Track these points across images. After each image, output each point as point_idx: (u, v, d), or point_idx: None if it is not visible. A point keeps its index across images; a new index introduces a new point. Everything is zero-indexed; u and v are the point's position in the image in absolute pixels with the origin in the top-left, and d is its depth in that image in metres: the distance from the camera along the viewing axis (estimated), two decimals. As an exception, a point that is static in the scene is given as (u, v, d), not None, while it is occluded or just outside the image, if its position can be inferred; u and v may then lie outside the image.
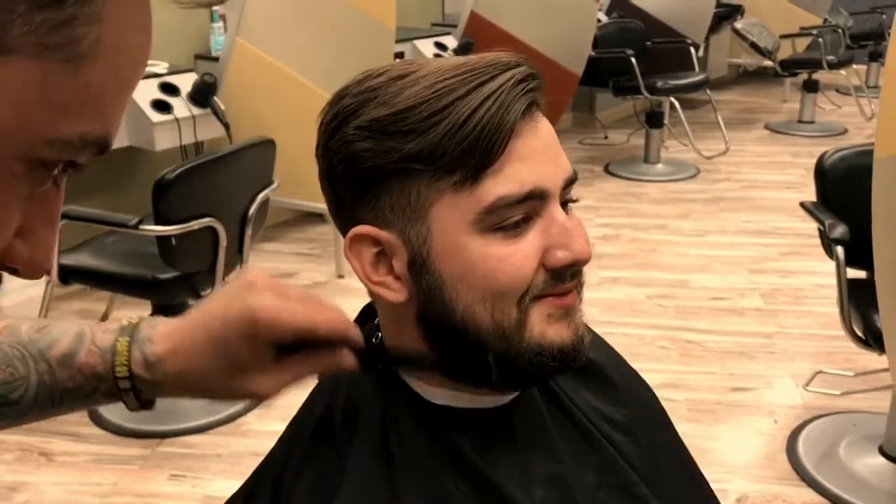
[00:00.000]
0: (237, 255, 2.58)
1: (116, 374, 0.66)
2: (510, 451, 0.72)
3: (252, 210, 2.58)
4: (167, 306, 2.64)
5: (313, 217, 4.19)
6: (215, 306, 0.66)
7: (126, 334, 0.67)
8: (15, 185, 0.37)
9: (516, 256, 0.65)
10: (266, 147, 2.63)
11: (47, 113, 0.35)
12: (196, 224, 2.33)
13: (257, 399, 0.69)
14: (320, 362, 0.68)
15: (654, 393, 0.87)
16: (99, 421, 2.62)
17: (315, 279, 3.68)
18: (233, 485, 0.78)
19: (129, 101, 0.40)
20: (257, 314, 0.63)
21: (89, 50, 0.35)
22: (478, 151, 0.62)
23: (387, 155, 0.63)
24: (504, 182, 0.63)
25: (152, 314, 2.68)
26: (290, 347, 0.65)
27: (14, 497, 2.30)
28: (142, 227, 2.30)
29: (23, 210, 0.38)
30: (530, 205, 0.65)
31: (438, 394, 0.71)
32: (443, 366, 0.69)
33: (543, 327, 0.67)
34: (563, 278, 0.67)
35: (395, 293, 0.68)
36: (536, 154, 0.65)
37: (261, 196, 2.61)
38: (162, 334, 0.67)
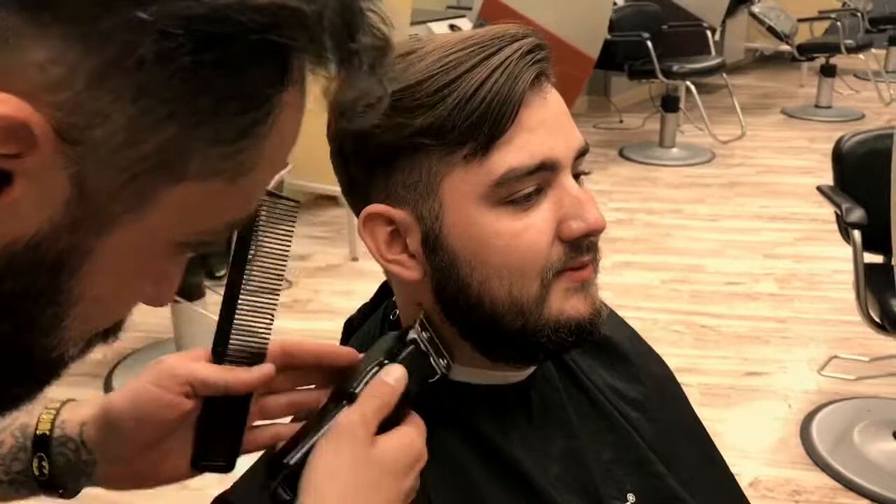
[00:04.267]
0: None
1: (36, 432, 0.65)
2: (527, 427, 0.72)
3: (267, 192, 2.58)
4: (182, 286, 2.65)
5: (327, 200, 4.20)
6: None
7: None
8: (157, 264, 0.41)
9: (530, 232, 0.64)
10: (281, 129, 2.63)
11: (203, 217, 0.39)
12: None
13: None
14: None
15: (670, 371, 0.87)
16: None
17: (329, 262, 3.69)
18: (248, 463, 0.78)
19: None
20: (165, 362, 0.64)
21: (252, 166, 0.38)
22: (487, 123, 0.62)
23: (397, 131, 0.63)
24: (514, 153, 0.63)
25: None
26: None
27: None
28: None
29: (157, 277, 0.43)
30: (541, 176, 0.64)
31: (455, 370, 0.71)
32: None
33: (561, 303, 0.66)
34: (581, 250, 0.66)
35: (410, 271, 0.68)
36: (546, 125, 0.64)
37: (276, 177, 2.61)
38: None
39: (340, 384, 0.66)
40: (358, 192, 0.69)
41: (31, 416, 0.67)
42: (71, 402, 0.68)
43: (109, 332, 0.44)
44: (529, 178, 0.64)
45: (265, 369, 0.64)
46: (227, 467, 0.68)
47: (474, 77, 0.62)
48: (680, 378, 0.87)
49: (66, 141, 0.33)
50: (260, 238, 0.64)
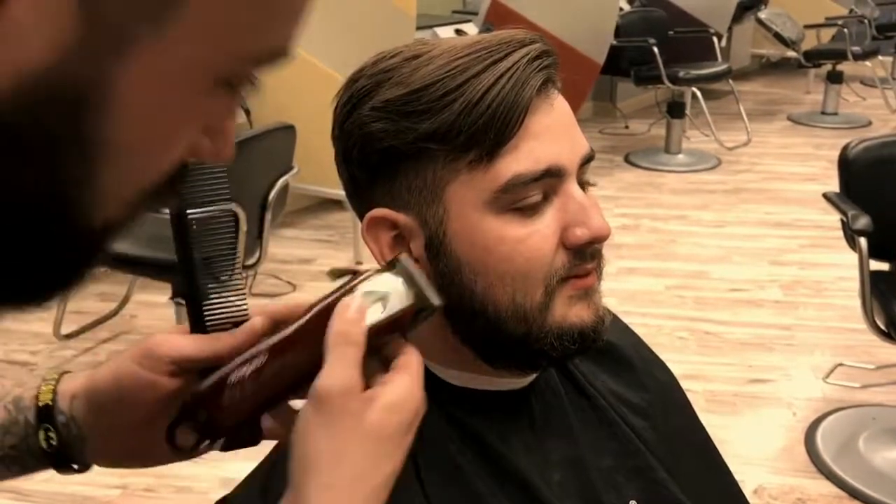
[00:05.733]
0: (257, 240, 2.59)
1: (38, 403, 0.62)
2: (528, 434, 0.72)
3: (272, 195, 2.59)
4: (184, 287, 2.66)
5: (332, 204, 4.20)
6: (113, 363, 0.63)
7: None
8: (196, 102, 0.36)
9: (534, 238, 0.64)
10: (286, 132, 2.64)
11: (233, 36, 0.34)
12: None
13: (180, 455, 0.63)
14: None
15: (674, 377, 0.86)
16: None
17: (333, 265, 3.67)
18: (250, 467, 0.78)
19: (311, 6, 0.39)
20: (149, 340, 0.61)
21: None
22: (493, 129, 0.62)
23: (402, 135, 0.63)
24: (520, 160, 0.63)
25: (172, 297, 2.70)
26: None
27: (39, 475, 2.33)
28: (162, 210, 2.31)
29: (202, 122, 0.38)
30: (547, 183, 0.64)
31: (455, 376, 0.71)
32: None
33: (564, 310, 0.66)
34: (585, 257, 0.66)
35: None
36: (552, 131, 0.64)
37: (281, 181, 2.62)
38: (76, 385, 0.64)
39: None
40: (362, 195, 0.69)
41: (26, 389, 0.63)
42: (67, 374, 0.65)
43: (162, 193, 0.38)
44: (535, 185, 0.64)
45: (251, 325, 0.60)
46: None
47: (481, 82, 0.62)
48: (684, 385, 0.87)
49: None
50: (195, 206, 0.60)
